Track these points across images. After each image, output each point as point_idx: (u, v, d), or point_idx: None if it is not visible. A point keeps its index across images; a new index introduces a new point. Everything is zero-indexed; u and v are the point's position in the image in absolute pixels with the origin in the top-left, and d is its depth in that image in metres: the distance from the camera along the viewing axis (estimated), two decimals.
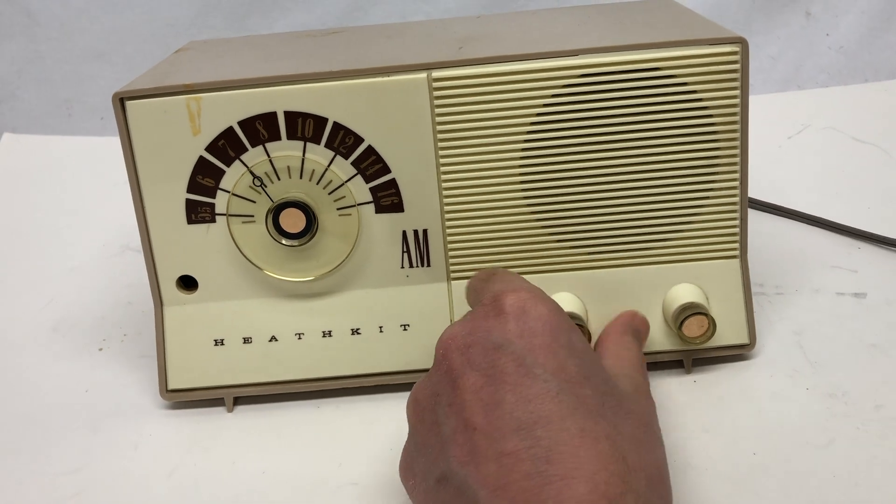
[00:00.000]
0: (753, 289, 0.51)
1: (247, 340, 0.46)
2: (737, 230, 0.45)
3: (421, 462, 0.34)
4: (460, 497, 0.31)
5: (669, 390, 0.45)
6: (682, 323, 0.44)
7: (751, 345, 0.46)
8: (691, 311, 0.43)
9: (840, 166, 0.69)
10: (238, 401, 0.47)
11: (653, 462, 0.32)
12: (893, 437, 0.40)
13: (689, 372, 0.46)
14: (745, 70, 0.42)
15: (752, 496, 0.37)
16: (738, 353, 0.46)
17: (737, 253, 0.45)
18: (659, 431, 0.34)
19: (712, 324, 0.44)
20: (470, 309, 0.40)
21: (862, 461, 0.39)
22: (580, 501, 0.28)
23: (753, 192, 0.63)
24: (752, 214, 0.61)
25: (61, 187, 0.77)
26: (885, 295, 0.51)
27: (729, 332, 0.45)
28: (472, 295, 0.40)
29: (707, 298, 0.45)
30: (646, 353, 0.45)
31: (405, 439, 0.43)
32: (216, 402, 0.47)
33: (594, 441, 0.30)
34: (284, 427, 0.45)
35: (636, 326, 0.43)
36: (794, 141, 0.74)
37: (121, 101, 0.42)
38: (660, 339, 0.45)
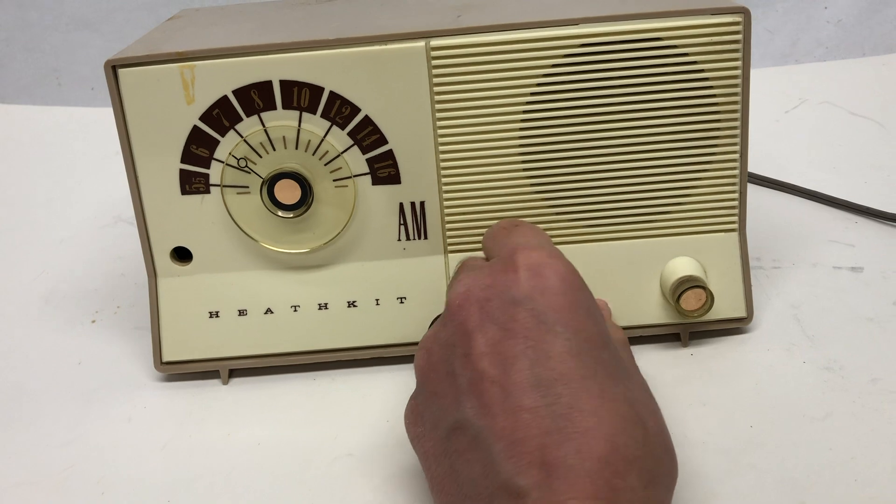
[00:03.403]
0: (751, 262, 0.51)
1: (242, 312, 0.45)
2: (736, 203, 0.44)
3: (432, 410, 0.33)
4: (474, 448, 0.30)
5: (666, 363, 0.45)
6: (679, 296, 0.43)
7: (748, 318, 0.46)
8: (689, 284, 0.43)
9: (837, 141, 0.68)
10: (233, 373, 0.47)
11: (665, 430, 0.32)
12: (889, 411, 0.40)
13: (686, 345, 0.46)
14: (747, 41, 0.42)
15: (748, 469, 0.38)
16: (735, 327, 0.46)
17: (735, 226, 0.45)
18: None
19: (710, 297, 0.43)
20: (481, 256, 0.40)
21: (858, 434, 0.39)
22: (601, 460, 0.28)
23: (751, 167, 0.63)
24: (750, 189, 0.61)
25: (52, 158, 0.76)
26: (881, 269, 0.51)
27: (726, 306, 0.45)
28: (491, 243, 0.39)
29: (705, 272, 0.45)
30: (643, 326, 0.46)
31: (401, 411, 0.43)
32: (211, 375, 0.46)
33: (614, 403, 0.30)
34: (280, 399, 0.45)
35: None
36: (791, 115, 0.74)
37: (113, 68, 0.41)
38: (657, 312, 0.45)
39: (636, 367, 0.36)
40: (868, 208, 0.57)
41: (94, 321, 0.53)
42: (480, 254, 0.43)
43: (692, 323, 0.45)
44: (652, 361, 0.45)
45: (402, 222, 0.44)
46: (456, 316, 0.33)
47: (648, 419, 0.31)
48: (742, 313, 0.46)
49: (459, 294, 0.34)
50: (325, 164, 0.43)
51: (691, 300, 0.44)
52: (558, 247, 0.45)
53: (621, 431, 0.29)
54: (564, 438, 0.28)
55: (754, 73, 0.76)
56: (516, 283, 0.33)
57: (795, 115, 0.74)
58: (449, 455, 0.31)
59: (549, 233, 0.45)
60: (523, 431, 0.29)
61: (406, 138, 0.43)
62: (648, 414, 0.31)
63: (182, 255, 0.45)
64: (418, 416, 0.35)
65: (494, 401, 0.30)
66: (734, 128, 0.43)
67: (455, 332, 0.33)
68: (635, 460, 0.29)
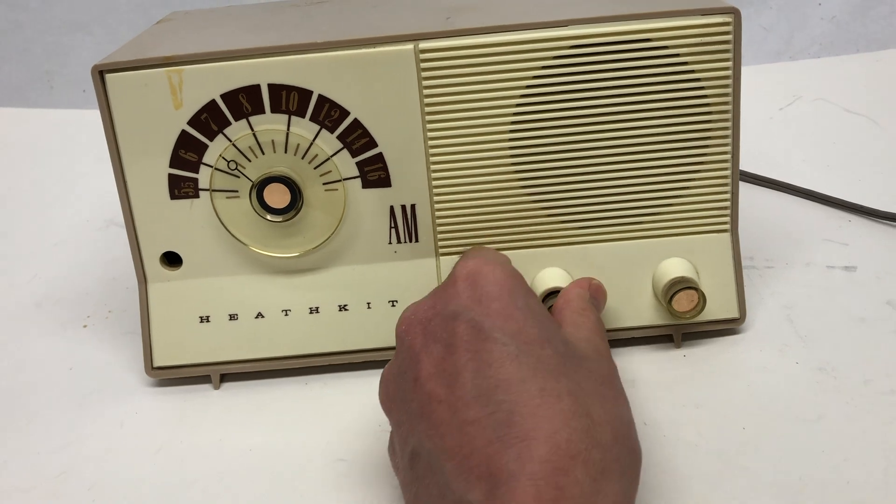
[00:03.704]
0: (744, 262, 0.51)
1: (233, 317, 0.45)
2: (728, 204, 0.44)
3: (397, 440, 0.34)
4: (430, 472, 0.30)
5: (659, 365, 0.45)
6: (671, 297, 0.43)
7: (741, 319, 0.46)
8: (681, 285, 0.43)
9: (831, 138, 0.68)
10: (225, 378, 0.46)
11: (618, 416, 0.31)
12: (882, 412, 0.40)
13: (678, 346, 0.46)
14: (737, 41, 0.41)
15: (741, 471, 0.37)
16: (728, 328, 0.46)
17: (727, 227, 0.45)
18: (621, 388, 0.34)
19: (702, 298, 0.43)
20: None
21: (851, 436, 0.39)
22: (542, 461, 0.28)
23: (744, 165, 0.63)
24: (743, 187, 0.61)
25: (44, 161, 0.76)
26: (874, 268, 0.51)
27: (719, 307, 0.45)
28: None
29: (697, 273, 0.45)
30: (636, 328, 0.45)
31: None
32: (202, 380, 0.46)
33: (556, 399, 0.30)
34: (271, 404, 0.44)
35: (593, 294, 0.41)
36: (785, 112, 0.73)
37: (100, 73, 0.41)
38: (650, 313, 0.45)
39: (603, 355, 0.35)
40: (862, 206, 0.57)
41: (85, 326, 0.53)
42: None
43: (685, 324, 0.45)
44: (645, 363, 0.45)
45: (392, 225, 0.44)
46: (403, 341, 0.34)
47: (595, 409, 0.30)
48: (735, 314, 0.45)
49: (404, 320, 0.34)
50: (315, 168, 0.43)
51: (683, 301, 0.43)
52: (549, 249, 0.45)
53: (563, 427, 0.29)
54: (505, 446, 0.28)
55: (748, 70, 0.76)
56: (455, 296, 0.34)
57: (790, 113, 0.73)
58: (414, 482, 0.32)
59: (540, 235, 0.44)
60: (469, 446, 0.29)
61: (396, 141, 0.42)
62: (597, 403, 0.31)
63: (172, 259, 0.45)
64: (392, 447, 0.35)
65: (443, 420, 0.30)
66: (725, 128, 0.43)
67: (404, 359, 0.34)
68: (578, 454, 0.28)
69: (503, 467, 0.28)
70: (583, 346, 0.35)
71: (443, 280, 0.45)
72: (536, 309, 0.34)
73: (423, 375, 0.32)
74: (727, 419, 0.40)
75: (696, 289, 0.43)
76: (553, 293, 0.43)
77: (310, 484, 0.39)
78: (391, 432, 0.36)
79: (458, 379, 0.31)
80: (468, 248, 0.45)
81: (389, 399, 0.34)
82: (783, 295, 0.49)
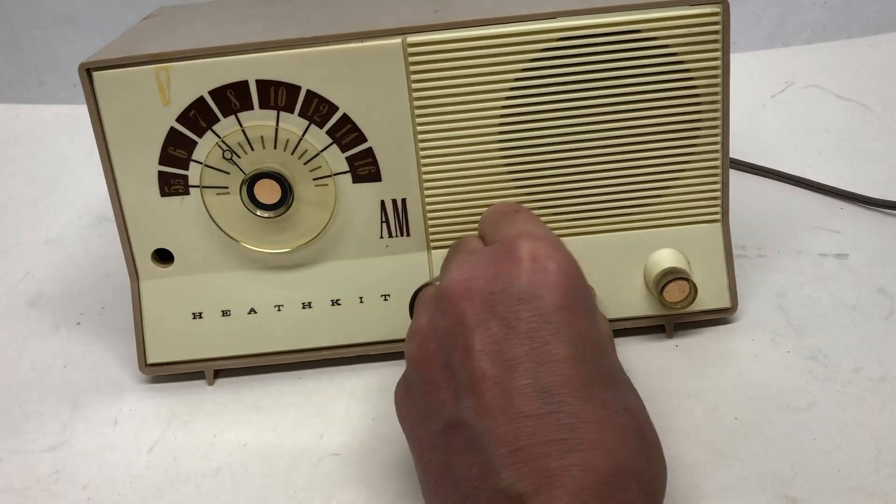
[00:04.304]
0: (736, 251, 0.51)
1: (225, 313, 0.45)
2: (718, 194, 0.44)
3: (427, 400, 0.32)
4: (471, 449, 0.29)
5: (651, 355, 0.45)
6: (663, 288, 0.43)
7: (732, 308, 0.46)
8: (672, 276, 0.43)
9: (823, 125, 0.68)
10: (218, 374, 0.46)
11: (657, 438, 0.31)
12: (872, 399, 0.40)
13: (670, 337, 0.46)
14: (726, 31, 0.41)
15: (732, 461, 0.38)
16: (720, 317, 0.46)
17: (718, 217, 0.45)
18: None
19: (693, 289, 0.43)
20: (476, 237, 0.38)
21: (841, 424, 0.39)
22: (604, 473, 0.28)
23: (737, 153, 0.63)
24: (736, 175, 0.61)
25: (34, 158, 0.76)
26: (866, 256, 0.51)
27: (710, 297, 0.45)
28: (490, 227, 0.37)
29: (688, 263, 0.45)
30: (627, 319, 0.45)
31: (387, 409, 0.43)
32: (196, 376, 0.46)
33: (616, 413, 0.29)
34: (265, 399, 0.45)
35: None
36: (777, 99, 0.73)
37: (87, 71, 0.41)
38: (641, 304, 0.45)
39: (619, 361, 0.36)
40: (853, 194, 0.57)
41: (79, 323, 0.53)
42: (475, 233, 0.43)
43: (677, 314, 0.45)
44: (637, 353, 0.45)
45: (384, 220, 0.44)
46: (456, 306, 0.32)
47: (646, 429, 0.30)
48: (726, 304, 0.46)
49: (460, 282, 0.32)
50: (305, 164, 0.43)
51: (675, 292, 0.43)
52: None
53: (624, 444, 0.29)
54: (568, 449, 0.28)
55: (740, 57, 0.76)
56: (520, 276, 0.32)
57: (782, 99, 0.73)
58: (445, 450, 0.31)
59: None
60: (525, 439, 0.28)
61: (385, 135, 0.42)
62: (646, 423, 0.31)
63: (164, 256, 0.45)
64: (411, 401, 0.33)
65: (495, 404, 0.29)
66: (715, 118, 0.43)
67: (455, 323, 0.32)
68: (636, 473, 0.28)
69: (564, 469, 0.27)
70: (612, 351, 0.34)
71: (433, 272, 0.45)
72: (596, 310, 0.33)
73: (476, 348, 0.30)
74: (719, 409, 0.41)
75: (688, 279, 0.43)
76: None
77: (304, 479, 0.39)
78: (406, 385, 0.34)
79: (518, 367, 0.30)
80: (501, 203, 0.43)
81: (426, 357, 0.32)
82: (775, 283, 0.49)
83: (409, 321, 0.45)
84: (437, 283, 0.37)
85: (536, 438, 0.28)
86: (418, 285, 0.45)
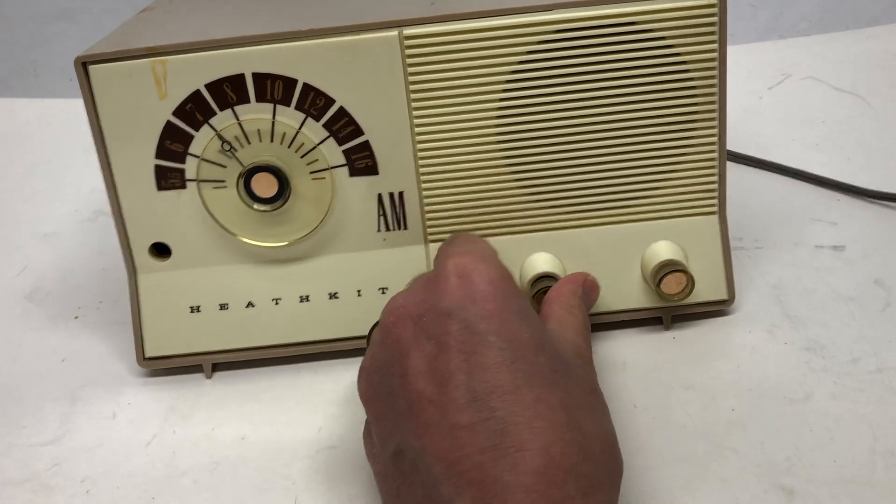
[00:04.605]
0: (733, 243, 0.51)
1: (223, 307, 0.45)
2: (715, 186, 0.44)
3: (377, 433, 0.33)
4: (415, 471, 0.30)
5: (649, 347, 0.45)
6: (660, 280, 0.43)
7: (730, 300, 0.46)
8: (669, 268, 0.43)
9: (820, 117, 0.68)
10: (216, 367, 0.47)
11: (605, 427, 0.31)
12: (869, 390, 0.40)
13: (668, 329, 0.46)
14: (722, 23, 0.41)
15: (729, 452, 0.38)
16: (717, 309, 0.46)
17: (715, 209, 0.45)
18: (602, 395, 0.34)
19: (691, 281, 0.44)
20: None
21: (838, 415, 0.39)
22: (536, 474, 0.28)
23: (734, 145, 0.63)
24: (733, 168, 0.61)
25: (31, 151, 0.76)
26: (862, 247, 0.51)
27: (708, 289, 0.45)
28: (434, 261, 0.39)
29: (686, 255, 0.45)
30: (625, 311, 0.46)
31: None
32: (194, 369, 0.46)
33: (550, 410, 0.29)
34: (263, 393, 0.45)
35: (586, 290, 0.41)
36: (774, 91, 0.73)
37: (83, 65, 0.41)
38: (639, 296, 0.45)
39: (585, 358, 0.35)
40: (850, 186, 0.57)
41: (77, 317, 0.53)
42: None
43: (674, 306, 0.45)
44: (634, 346, 0.45)
45: (381, 213, 0.44)
46: (391, 334, 0.33)
47: (585, 421, 0.30)
48: (723, 295, 0.46)
49: (393, 310, 0.33)
50: (302, 157, 0.43)
51: (672, 284, 0.44)
52: (538, 234, 0.45)
53: (557, 440, 0.29)
54: (500, 455, 0.28)
55: (737, 49, 0.76)
56: (447, 292, 0.33)
57: (779, 91, 0.73)
58: (395, 478, 0.31)
59: (528, 220, 0.44)
60: (460, 451, 0.29)
61: (382, 128, 0.42)
62: (587, 415, 0.31)
63: (161, 250, 0.45)
64: (369, 438, 0.35)
65: (432, 421, 0.30)
66: (712, 110, 0.43)
67: (391, 352, 0.33)
68: (572, 468, 0.28)
69: (497, 477, 0.28)
70: (568, 350, 0.35)
71: (431, 266, 0.45)
72: (528, 312, 0.33)
73: (412, 372, 0.31)
74: (716, 400, 0.41)
75: (685, 271, 0.43)
76: (542, 277, 0.43)
77: (301, 472, 0.39)
78: (367, 421, 0.35)
79: (451, 380, 0.30)
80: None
81: (372, 391, 0.34)
82: (772, 275, 0.49)
83: None
84: None
85: (470, 448, 0.29)
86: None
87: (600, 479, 0.29)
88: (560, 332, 0.36)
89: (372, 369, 0.34)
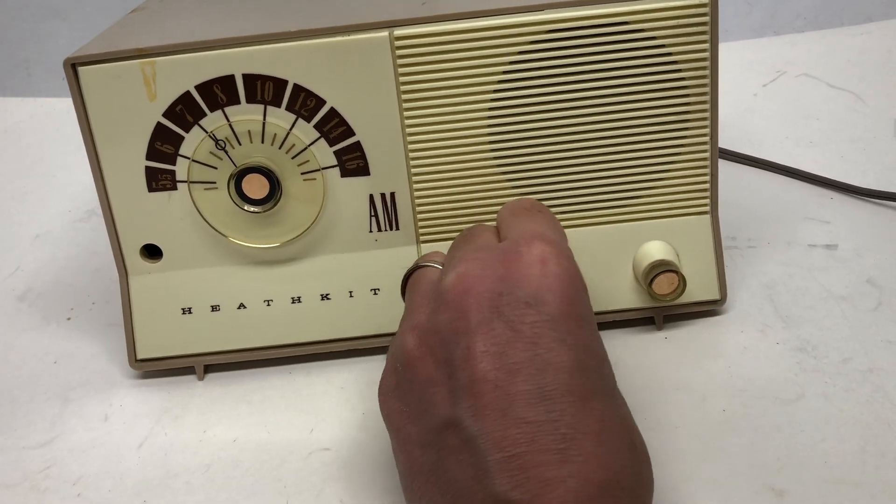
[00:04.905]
0: (726, 242, 0.51)
1: (215, 308, 0.45)
2: (707, 186, 0.44)
3: (420, 396, 0.32)
4: (467, 450, 0.29)
5: (640, 348, 0.45)
6: (652, 280, 0.43)
7: (722, 300, 0.46)
8: (661, 268, 0.43)
9: (815, 114, 0.68)
10: (208, 369, 0.46)
11: (645, 445, 0.31)
12: (860, 391, 0.40)
13: (660, 329, 0.46)
14: (714, 22, 0.41)
15: (720, 453, 0.38)
16: (709, 309, 0.46)
17: (707, 209, 0.45)
18: None
19: (682, 281, 0.43)
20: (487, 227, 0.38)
21: (829, 416, 0.39)
22: (599, 486, 0.28)
23: (728, 143, 0.63)
24: (726, 166, 0.61)
25: (23, 151, 0.75)
26: (855, 246, 0.51)
27: (700, 289, 0.45)
28: (507, 221, 0.37)
29: (678, 255, 0.45)
30: (616, 311, 0.45)
31: (377, 405, 0.43)
32: (186, 371, 0.46)
33: (613, 427, 0.29)
34: (255, 394, 0.45)
35: None
36: (768, 89, 0.73)
37: (73, 66, 0.41)
38: (630, 296, 0.45)
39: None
40: (844, 184, 0.57)
41: (69, 318, 0.52)
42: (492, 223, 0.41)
43: (666, 306, 0.45)
44: (626, 346, 0.45)
45: (372, 214, 0.44)
46: (461, 303, 0.31)
47: (637, 443, 0.31)
48: (715, 295, 0.46)
49: (466, 279, 0.32)
50: (293, 158, 0.42)
51: (664, 284, 0.44)
52: None
53: (618, 458, 0.29)
54: (565, 459, 0.28)
55: (732, 46, 0.75)
56: (528, 280, 0.31)
57: (773, 89, 0.73)
58: (438, 449, 0.30)
59: None
60: (523, 446, 0.28)
61: (373, 129, 0.42)
62: (637, 436, 0.31)
63: (152, 252, 0.45)
64: (401, 395, 0.33)
65: (495, 406, 0.29)
66: (704, 110, 0.43)
67: (457, 320, 0.31)
68: (629, 488, 0.28)
69: (559, 480, 0.27)
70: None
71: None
72: (594, 322, 0.33)
73: (478, 348, 0.30)
74: (707, 401, 0.41)
75: (677, 271, 0.43)
76: None
77: (293, 474, 0.39)
78: (396, 377, 0.33)
79: (520, 371, 0.29)
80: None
81: (427, 351, 0.32)
82: (765, 274, 0.49)
83: (399, 315, 0.45)
84: (433, 265, 0.36)
85: (534, 446, 0.28)
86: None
87: (647, 499, 0.30)
88: None
89: (430, 329, 0.32)
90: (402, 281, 0.38)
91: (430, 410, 0.31)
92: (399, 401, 0.33)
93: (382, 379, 0.35)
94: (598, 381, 0.30)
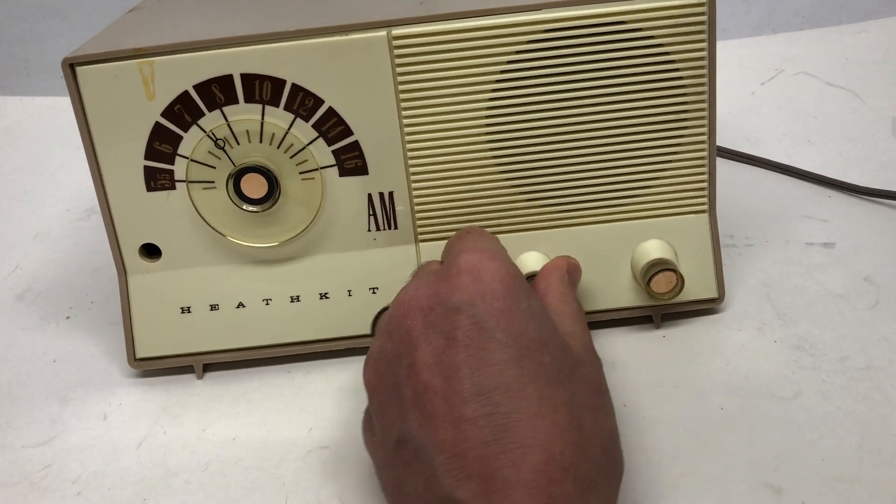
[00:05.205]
0: (724, 240, 0.51)
1: (214, 307, 0.45)
2: (705, 185, 0.44)
3: (381, 421, 0.34)
4: (417, 460, 0.31)
5: (639, 346, 0.45)
6: (650, 279, 0.43)
7: (720, 299, 0.46)
8: (659, 267, 0.43)
9: (813, 112, 0.68)
10: (207, 368, 0.47)
11: (606, 428, 0.32)
12: (857, 389, 0.40)
13: (658, 327, 0.46)
14: (712, 22, 0.41)
15: (717, 451, 0.38)
16: (707, 308, 0.46)
17: (705, 208, 0.45)
18: (608, 393, 0.34)
19: (680, 280, 0.44)
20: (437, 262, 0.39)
21: (826, 413, 0.39)
22: (536, 471, 0.28)
23: (726, 141, 0.63)
24: (725, 164, 0.61)
25: (23, 150, 0.75)
26: (853, 244, 0.51)
27: (698, 287, 0.45)
28: (445, 251, 0.39)
29: (676, 254, 0.45)
30: (615, 310, 0.46)
31: None
32: (185, 370, 0.46)
33: (552, 409, 0.30)
34: (254, 393, 0.45)
35: (569, 273, 0.41)
36: (767, 87, 0.73)
37: (71, 66, 0.41)
38: (628, 295, 0.45)
39: (590, 350, 0.36)
40: (842, 182, 0.57)
41: (68, 317, 0.53)
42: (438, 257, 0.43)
43: (664, 305, 0.45)
44: (624, 344, 0.45)
45: (371, 213, 0.44)
46: (401, 325, 0.33)
47: (587, 421, 0.31)
48: (713, 294, 0.46)
49: (404, 303, 0.34)
50: (291, 157, 0.43)
51: (662, 283, 0.44)
52: (528, 233, 0.45)
53: (557, 439, 0.29)
54: (501, 450, 0.28)
55: (730, 44, 0.75)
56: (458, 288, 0.33)
57: (771, 87, 0.73)
58: (396, 467, 0.32)
59: (518, 219, 0.44)
60: (463, 444, 0.29)
61: (371, 129, 0.42)
62: (588, 415, 0.31)
63: (151, 251, 0.45)
64: (371, 426, 0.35)
65: (437, 412, 0.30)
66: (701, 109, 0.43)
67: (400, 343, 0.33)
68: (570, 467, 0.29)
69: (497, 471, 0.28)
70: (575, 344, 0.35)
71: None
72: (537, 310, 0.34)
73: (419, 364, 0.32)
74: (705, 399, 0.41)
75: (675, 270, 0.43)
76: (532, 276, 0.43)
77: (292, 472, 0.39)
78: (368, 410, 0.36)
79: (457, 374, 0.31)
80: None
81: (378, 379, 0.34)
82: (763, 273, 0.49)
83: None
84: None
85: (473, 441, 0.29)
86: (406, 277, 0.45)
87: (598, 479, 0.30)
88: (561, 326, 0.36)
89: (380, 358, 0.34)
90: (371, 326, 0.40)
91: (387, 432, 0.33)
92: (370, 432, 0.35)
93: (363, 418, 0.36)
94: (536, 369, 0.31)
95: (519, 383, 0.30)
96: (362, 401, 0.43)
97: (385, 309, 0.38)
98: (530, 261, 0.44)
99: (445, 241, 0.44)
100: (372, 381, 0.35)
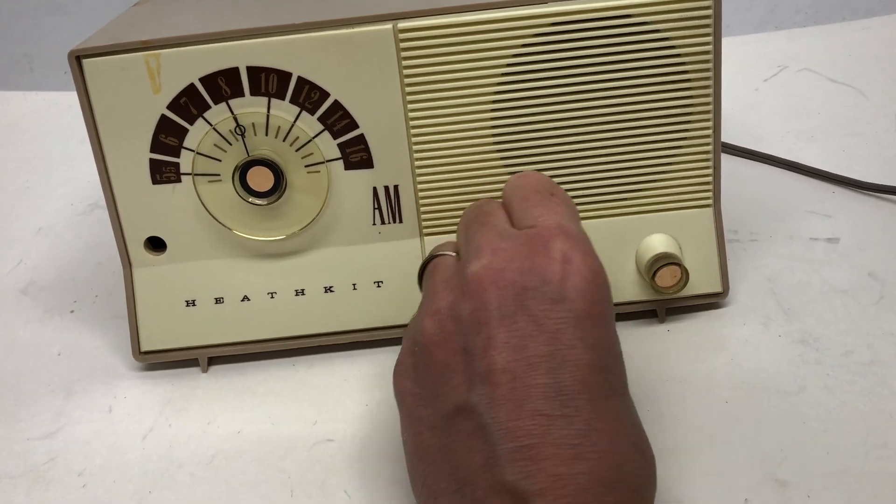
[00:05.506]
0: (728, 235, 0.51)
1: (219, 300, 0.45)
2: (710, 179, 0.44)
3: (436, 379, 0.32)
4: (479, 437, 0.30)
5: (643, 340, 0.45)
6: (654, 273, 0.44)
7: (724, 293, 0.46)
8: (664, 261, 0.43)
9: (816, 109, 0.68)
10: (212, 361, 0.47)
11: (653, 453, 0.32)
12: (861, 383, 0.41)
13: (662, 321, 0.46)
14: (718, 16, 0.41)
15: (722, 445, 0.38)
16: (711, 302, 0.46)
17: (710, 202, 0.45)
18: None
19: (685, 274, 0.44)
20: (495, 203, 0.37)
21: (830, 407, 0.39)
22: (608, 485, 0.28)
23: (729, 137, 0.63)
24: (729, 160, 0.61)
25: (26, 145, 0.75)
26: (857, 239, 0.51)
27: (702, 281, 0.45)
28: (520, 203, 0.36)
29: (680, 248, 0.45)
30: (619, 304, 0.46)
31: (381, 396, 0.43)
32: (190, 363, 0.46)
33: (626, 427, 0.30)
34: (259, 386, 0.45)
35: None
36: (770, 83, 0.73)
37: (77, 59, 0.41)
38: (633, 289, 0.45)
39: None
40: (846, 178, 0.57)
41: (72, 311, 0.53)
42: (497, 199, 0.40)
43: (668, 299, 0.46)
44: (629, 338, 0.45)
45: (376, 206, 0.44)
46: (485, 293, 0.31)
47: (645, 445, 0.31)
48: (718, 288, 0.46)
49: (493, 270, 0.32)
50: (297, 150, 0.43)
51: (666, 277, 0.44)
52: None
53: (629, 460, 0.29)
54: (578, 456, 0.28)
55: (733, 41, 0.75)
56: (552, 276, 0.31)
57: (775, 83, 0.73)
58: (449, 433, 0.31)
59: None
60: (536, 438, 0.28)
61: (377, 122, 0.42)
62: (643, 435, 0.31)
63: (156, 244, 0.45)
64: (416, 377, 0.33)
65: (511, 397, 0.29)
66: (707, 104, 0.43)
67: (480, 310, 0.31)
68: (637, 489, 0.29)
69: (571, 476, 0.28)
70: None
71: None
72: (614, 320, 0.33)
73: (499, 339, 0.30)
74: (710, 393, 0.41)
75: (679, 264, 0.43)
76: None
77: (298, 465, 0.39)
78: (412, 359, 0.33)
79: (539, 365, 0.30)
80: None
81: (443, 337, 0.32)
82: (767, 268, 0.49)
83: (402, 307, 0.45)
84: (449, 254, 0.36)
85: (547, 439, 0.28)
86: (411, 271, 0.45)
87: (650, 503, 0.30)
88: None
89: (449, 316, 0.32)
90: (420, 270, 0.38)
91: (444, 395, 0.31)
92: (413, 383, 0.33)
93: (399, 360, 0.35)
94: (615, 382, 0.31)
95: (601, 393, 0.30)
96: (367, 394, 0.43)
97: (430, 259, 0.36)
98: None
99: (449, 236, 0.44)
100: (434, 336, 0.32)
